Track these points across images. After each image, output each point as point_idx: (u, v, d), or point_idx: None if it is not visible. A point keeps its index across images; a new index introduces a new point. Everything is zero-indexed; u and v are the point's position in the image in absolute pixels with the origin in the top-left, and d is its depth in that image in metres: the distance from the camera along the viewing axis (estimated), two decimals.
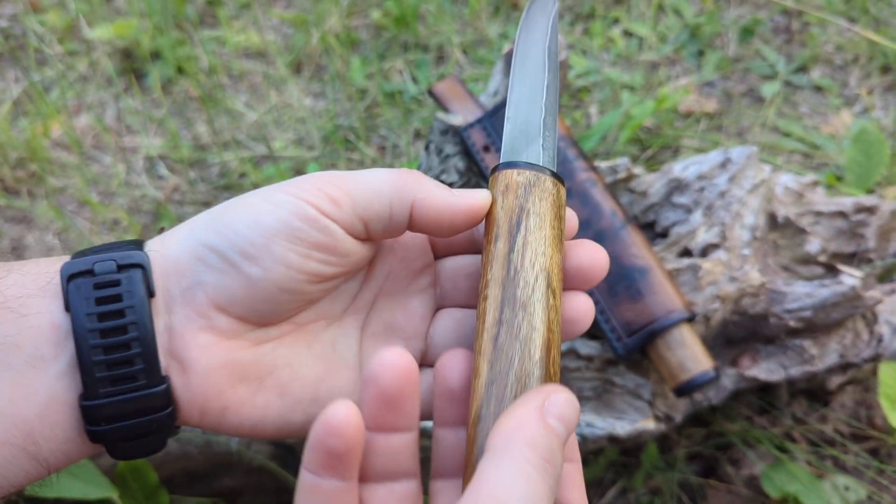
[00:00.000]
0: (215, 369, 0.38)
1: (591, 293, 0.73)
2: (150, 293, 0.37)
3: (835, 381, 0.85)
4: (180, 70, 1.46)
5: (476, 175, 0.80)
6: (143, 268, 0.37)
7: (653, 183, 0.82)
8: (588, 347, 0.76)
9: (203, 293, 0.37)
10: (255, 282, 0.37)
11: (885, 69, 1.38)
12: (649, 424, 0.75)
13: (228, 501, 0.78)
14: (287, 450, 0.72)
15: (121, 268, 0.37)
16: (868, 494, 0.83)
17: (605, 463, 0.88)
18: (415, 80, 1.42)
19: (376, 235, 0.40)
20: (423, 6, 1.54)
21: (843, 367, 0.81)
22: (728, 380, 0.79)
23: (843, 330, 0.80)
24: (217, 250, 0.37)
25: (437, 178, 0.80)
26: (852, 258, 0.84)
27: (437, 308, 0.44)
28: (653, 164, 1.21)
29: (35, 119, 1.36)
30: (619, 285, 0.72)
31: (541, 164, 0.41)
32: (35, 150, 1.28)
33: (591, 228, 0.74)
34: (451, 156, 0.80)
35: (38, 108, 1.37)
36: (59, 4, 1.63)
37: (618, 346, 0.71)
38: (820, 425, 0.90)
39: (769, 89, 1.35)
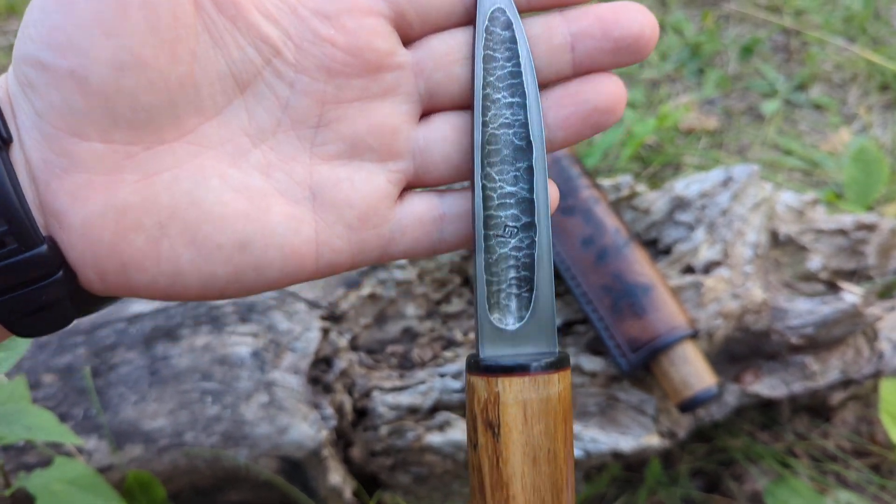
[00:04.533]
0: (95, 218, 0.29)
1: (594, 309, 0.74)
2: (4, 140, 0.29)
3: (836, 397, 0.86)
4: None
5: None
6: None
7: (655, 201, 0.83)
8: (592, 363, 0.76)
9: (46, 122, 0.28)
10: (80, 77, 0.28)
11: (884, 87, 1.40)
12: (653, 440, 0.76)
13: None
14: (294, 465, 0.73)
15: None
16: None
17: (609, 478, 0.88)
18: None
19: None
20: None
21: (845, 383, 0.82)
22: (731, 396, 0.80)
23: (844, 346, 0.80)
24: (28, 59, 0.28)
25: None
26: (853, 275, 0.85)
27: (425, 112, 0.34)
28: (655, 182, 1.22)
29: None
30: (623, 302, 0.72)
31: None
32: None
33: (594, 245, 0.75)
34: None
35: None
36: None
37: (622, 362, 0.72)
38: (822, 441, 0.91)
39: (769, 107, 1.37)
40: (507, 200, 0.34)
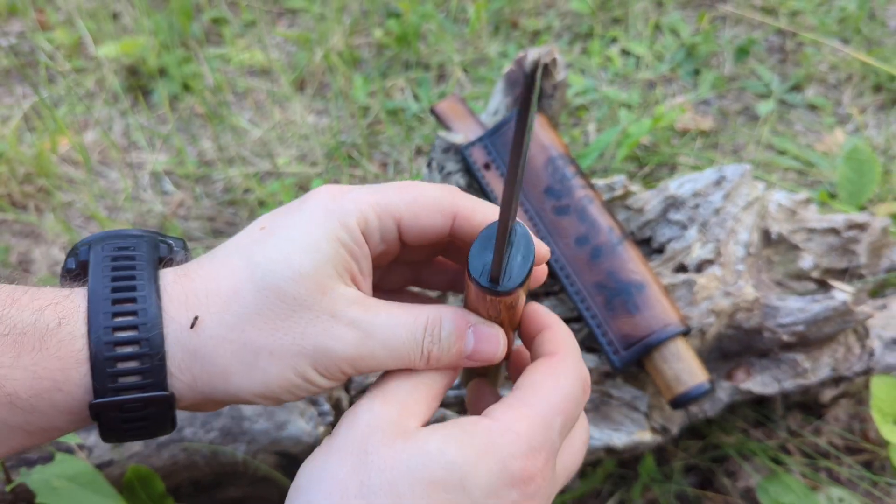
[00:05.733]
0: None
1: (588, 307, 0.75)
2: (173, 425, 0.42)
3: (828, 394, 0.87)
4: (186, 87, 1.48)
5: (477, 192, 0.82)
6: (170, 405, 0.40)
7: (649, 200, 0.84)
8: (586, 360, 0.77)
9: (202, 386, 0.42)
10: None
11: (878, 88, 1.41)
12: (646, 436, 0.77)
13: None
14: (292, 459, 0.74)
15: (148, 404, 0.40)
16: None
17: (603, 474, 0.89)
18: (416, 97, 1.45)
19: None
20: (425, 25, 1.57)
21: (836, 380, 0.83)
22: (723, 393, 0.81)
23: (835, 344, 0.81)
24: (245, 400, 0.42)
25: None
26: (844, 274, 0.86)
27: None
28: (650, 182, 1.23)
29: (43, 135, 1.38)
30: (616, 299, 0.73)
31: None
32: (43, 166, 1.30)
33: (588, 244, 0.76)
34: (452, 173, 0.82)
35: (45, 123, 1.39)
36: (67, 22, 1.65)
37: (615, 358, 0.73)
38: (814, 438, 0.92)
39: (764, 108, 1.38)
40: None
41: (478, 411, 0.46)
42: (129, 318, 0.38)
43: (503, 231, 0.36)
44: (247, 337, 0.40)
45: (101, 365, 0.38)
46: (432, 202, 0.43)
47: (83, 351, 0.38)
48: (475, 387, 0.50)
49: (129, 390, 0.38)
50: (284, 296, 0.39)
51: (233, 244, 0.43)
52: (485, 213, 0.44)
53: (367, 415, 0.39)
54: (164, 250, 0.44)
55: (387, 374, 0.42)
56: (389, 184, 0.44)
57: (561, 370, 0.42)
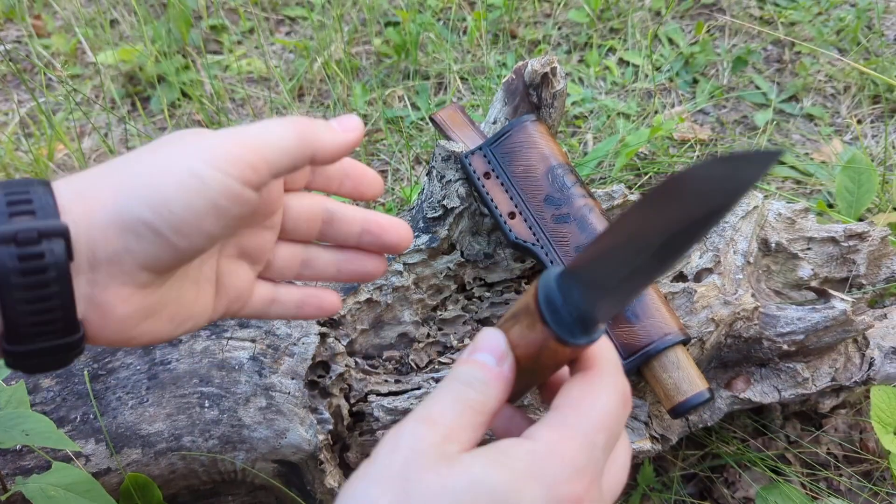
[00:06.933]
0: (131, 314, 0.43)
1: None
2: (70, 257, 0.40)
3: (827, 403, 0.87)
4: (184, 94, 1.48)
5: (477, 200, 0.82)
6: (66, 239, 0.40)
7: None
8: None
9: (131, 258, 0.41)
10: (181, 250, 0.42)
11: (875, 98, 1.41)
12: (645, 444, 0.77)
13: None
14: (291, 468, 0.73)
15: (42, 236, 0.39)
16: None
17: None
18: (415, 106, 1.45)
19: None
20: (424, 34, 1.57)
21: (836, 390, 0.83)
22: (722, 402, 0.81)
23: (834, 354, 0.81)
24: (151, 225, 0.41)
25: (440, 203, 0.82)
26: (844, 283, 0.86)
27: (279, 239, 0.52)
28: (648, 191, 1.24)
29: (40, 141, 1.38)
30: None
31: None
32: (40, 172, 1.29)
33: None
34: (452, 181, 0.82)
35: (42, 130, 1.39)
36: (64, 29, 1.65)
37: None
38: (814, 447, 0.91)
39: (762, 117, 1.38)
40: None
41: (497, 428, 0.46)
42: (25, 206, 0.40)
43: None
44: (131, 158, 0.42)
45: None
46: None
47: None
48: None
49: (22, 219, 0.39)
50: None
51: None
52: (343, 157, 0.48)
53: (411, 438, 0.38)
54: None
55: (433, 396, 0.41)
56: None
57: (600, 385, 0.41)
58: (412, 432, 0.38)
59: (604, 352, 0.43)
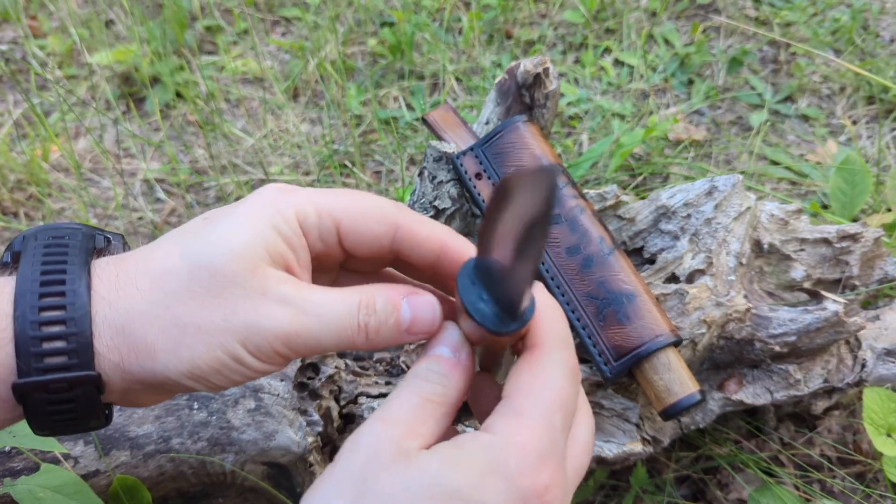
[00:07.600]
0: (149, 402, 0.45)
1: (578, 317, 0.74)
2: (100, 391, 0.40)
3: (820, 405, 0.86)
4: (179, 95, 1.48)
5: (468, 201, 0.82)
6: (97, 385, 0.40)
7: (640, 210, 0.84)
8: None
9: (161, 393, 0.44)
10: (210, 389, 0.43)
11: (870, 99, 1.41)
12: (637, 447, 0.76)
13: None
14: (281, 470, 0.73)
15: (73, 385, 0.39)
16: None
17: (595, 485, 0.89)
18: (409, 107, 1.45)
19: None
20: (419, 35, 1.57)
21: (828, 391, 0.83)
22: (714, 403, 0.81)
23: (827, 355, 0.81)
24: (187, 387, 0.42)
25: (431, 203, 0.82)
26: (836, 284, 0.86)
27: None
28: (643, 192, 1.23)
29: (34, 142, 1.37)
30: (607, 310, 0.73)
31: None
32: (34, 173, 1.29)
33: (579, 254, 0.76)
34: (444, 182, 0.82)
35: (37, 131, 1.39)
36: (60, 29, 1.65)
37: (605, 369, 0.73)
38: (807, 449, 0.91)
39: (757, 118, 1.38)
40: None
41: (480, 408, 0.46)
42: (57, 299, 0.38)
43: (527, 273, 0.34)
44: (175, 313, 0.39)
45: (26, 344, 0.37)
46: (372, 209, 0.43)
47: (8, 330, 0.37)
48: (475, 383, 0.47)
49: (55, 370, 0.38)
50: (215, 272, 0.39)
51: (171, 232, 0.43)
52: (431, 228, 0.44)
53: (369, 437, 0.37)
54: (100, 241, 0.44)
55: (392, 395, 0.40)
56: (335, 188, 0.44)
57: (546, 364, 0.40)
58: (371, 431, 0.38)
59: (547, 326, 0.42)
